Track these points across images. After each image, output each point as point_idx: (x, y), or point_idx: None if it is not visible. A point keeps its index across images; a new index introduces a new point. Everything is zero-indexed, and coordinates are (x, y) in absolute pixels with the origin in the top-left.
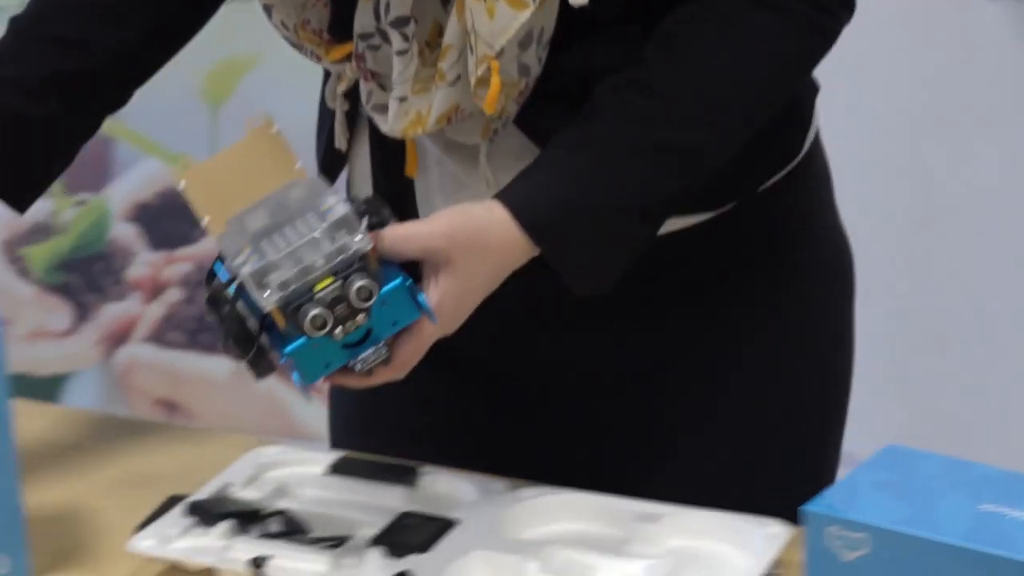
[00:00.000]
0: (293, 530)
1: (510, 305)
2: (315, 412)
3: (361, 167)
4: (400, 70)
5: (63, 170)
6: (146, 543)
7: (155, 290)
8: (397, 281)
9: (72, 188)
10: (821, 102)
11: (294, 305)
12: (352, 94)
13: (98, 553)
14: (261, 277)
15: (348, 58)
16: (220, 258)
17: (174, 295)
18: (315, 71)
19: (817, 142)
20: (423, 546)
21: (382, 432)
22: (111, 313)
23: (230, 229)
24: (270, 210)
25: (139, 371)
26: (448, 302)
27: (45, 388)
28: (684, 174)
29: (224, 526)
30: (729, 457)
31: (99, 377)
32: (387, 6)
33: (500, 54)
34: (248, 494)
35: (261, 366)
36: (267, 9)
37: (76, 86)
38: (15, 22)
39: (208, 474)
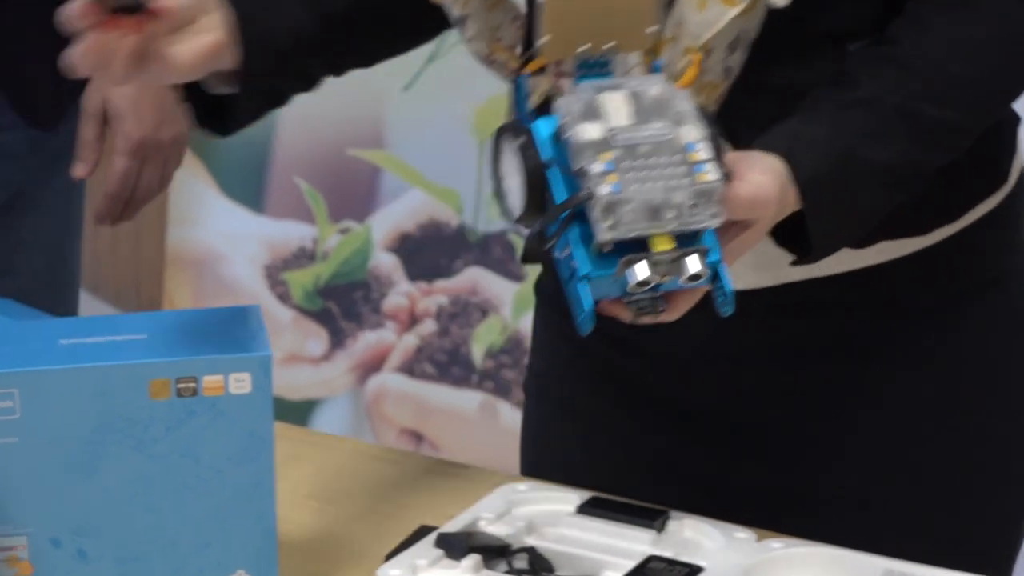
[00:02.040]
0: (539, 567)
1: (705, 345)
2: None
3: None
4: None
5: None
6: (394, 572)
7: (410, 321)
8: (715, 257)
9: (336, 216)
10: None
11: (628, 252)
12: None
13: None
14: (612, 207)
15: (543, 70)
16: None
17: (428, 327)
18: None
19: (1022, 180)
20: None
21: (570, 467)
22: (366, 342)
23: (578, 96)
24: (630, 103)
25: (388, 400)
26: (735, 255)
27: (297, 412)
28: (934, 147)
29: (471, 560)
30: (920, 509)
31: (349, 404)
32: None
33: (709, 53)
34: (497, 529)
35: (535, 252)
36: (461, 22)
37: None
38: None
39: (458, 507)
